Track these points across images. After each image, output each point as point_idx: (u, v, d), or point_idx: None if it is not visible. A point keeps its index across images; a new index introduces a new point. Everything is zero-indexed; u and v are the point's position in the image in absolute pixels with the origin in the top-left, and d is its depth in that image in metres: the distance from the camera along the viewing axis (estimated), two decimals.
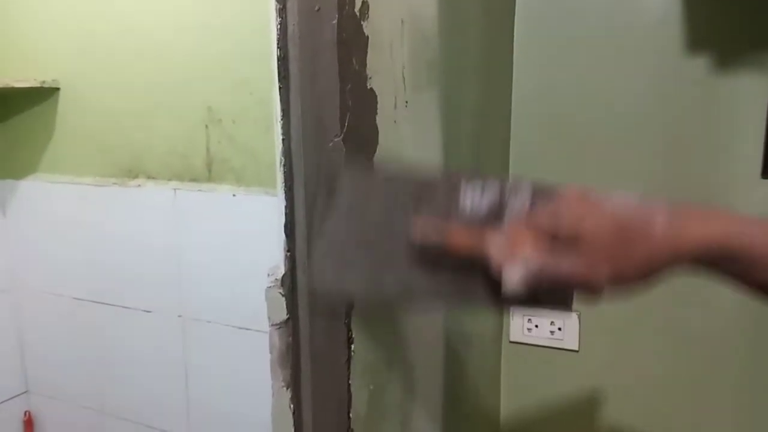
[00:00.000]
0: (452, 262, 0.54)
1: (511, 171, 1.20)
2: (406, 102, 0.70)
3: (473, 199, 0.55)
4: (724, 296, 1.08)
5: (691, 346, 1.12)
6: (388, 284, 0.56)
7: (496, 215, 0.54)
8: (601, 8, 1.10)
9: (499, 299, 0.53)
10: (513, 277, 0.50)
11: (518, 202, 0.54)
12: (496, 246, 0.52)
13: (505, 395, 1.28)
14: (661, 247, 0.50)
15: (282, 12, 0.59)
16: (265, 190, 1.43)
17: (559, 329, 1.21)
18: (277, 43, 0.61)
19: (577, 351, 1.20)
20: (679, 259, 0.51)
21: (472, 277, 0.54)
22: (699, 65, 1.04)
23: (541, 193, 0.54)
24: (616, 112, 1.11)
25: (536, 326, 1.23)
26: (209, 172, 1.49)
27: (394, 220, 0.56)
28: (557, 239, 0.50)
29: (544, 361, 1.24)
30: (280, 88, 0.62)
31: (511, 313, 1.24)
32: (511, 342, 1.25)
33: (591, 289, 0.51)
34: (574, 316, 1.20)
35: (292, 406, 0.67)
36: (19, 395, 1.87)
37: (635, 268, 0.50)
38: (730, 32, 1.03)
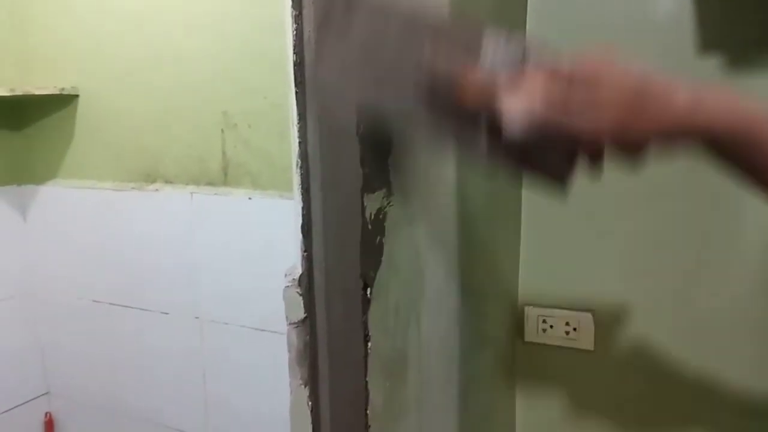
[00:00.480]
0: (459, 105, 0.52)
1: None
2: None
3: (495, 49, 0.52)
4: (743, 296, 1.08)
5: (707, 345, 1.12)
6: (391, 109, 0.56)
7: (515, 69, 0.51)
8: (612, 9, 1.10)
9: (498, 148, 0.51)
10: (517, 116, 0.48)
11: (540, 58, 0.52)
12: (507, 92, 0.49)
13: (519, 395, 1.29)
14: (677, 116, 0.49)
15: (298, 18, 0.60)
16: (280, 193, 1.45)
17: (574, 329, 1.21)
18: (294, 49, 0.62)
19: (592, 351, 1.21)
20: (691, 134, 0.49)
21: (476, 123, 0.52)
22: (711, 65, 1.04)
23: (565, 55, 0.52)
24: None
25: (551, 326, 1.23)
26: (225, 176, 1.52)
27: (409, 50, 0.54)
28: (571, 87, 0.49)
29: (559, 361, 1.24)
30: (296, 92, 0.63)
31: (526, 313, 1.25)
32: (525, 342, 1.26)
33: (592, 147, 0.50)
34: (588, 315, 1.20)
35: (310, 403, 0.68)
36: (39, 396, 1.90)
37: (643, 131, 0.49)
38: (743, 33, 1.03)
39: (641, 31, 1.09)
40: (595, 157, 0.51)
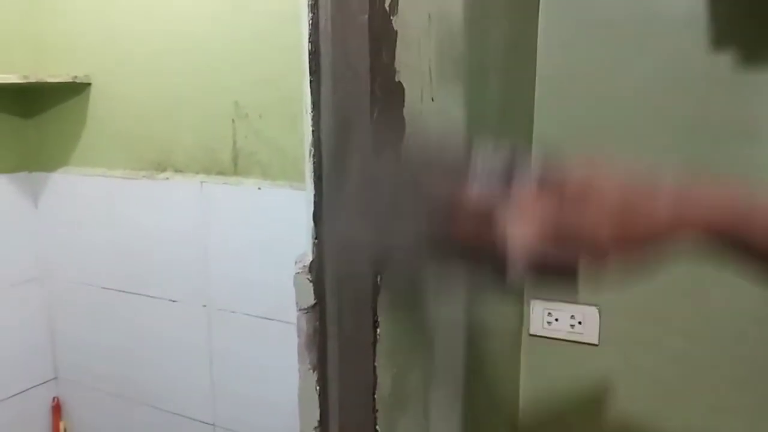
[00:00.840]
0: (461, 233, 0.54)
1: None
2: (432, 95, 0.72)
3: (483, 165, 0.54)
4: (747, 290, 1.08)
5: (712, 340, 1.12)
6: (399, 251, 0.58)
7: (505, 185, 0.53)
8: (625, 5, 1.11)
9: (505, 272, 0.53)
10: (520, 253, 0.50)
11: (528, 168, 0.54)
12: (503, 218, 0.52)
13: (524, 388, 1.30)
14: (664, 221, 0.51)
15: (314, 7, 0.61)
16: (290, 183, 1.46)
17: (579, 323, 1.22)
18: (309, 38, 0.63)
19: (596, 345, 1.21)
20: (682, 234, 0.51)
21: (480, 247, 0.54)
22: (724, 62, 1.05)
23: (550, 161, 0.55)
24: (639, 108, 1.12)
25: (556, 320, 1.24)
26: (235, 166, 1.53)
27: (409, 187, 0.57)
28: (562, 211, 0.51)
29: (564, 354, 1.25)
30: (310, 81, 0.64)
31: (531, 306, 1.26)
32: (530, 335, 1.27)
33: (595, 253, 0.51)
34: (594, 309, 1.21)
35: (318, 388, 0.69)
36: (47, 381, 1.93)
37: (639, 239, 0.51)
38: (755, 29, 1.03)
39: (654, 28, 1.09)
40: (598, 263, 0.52)
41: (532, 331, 1.27)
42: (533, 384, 1.29)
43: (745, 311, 1.09)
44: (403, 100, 0.65)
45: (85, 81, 1.66)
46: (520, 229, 0.51)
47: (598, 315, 1.21)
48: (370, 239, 0.61)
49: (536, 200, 0.52)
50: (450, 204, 0.54)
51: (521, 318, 1.27)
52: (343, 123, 0.63)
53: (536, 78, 1.19)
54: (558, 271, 0.53)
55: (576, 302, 1.22)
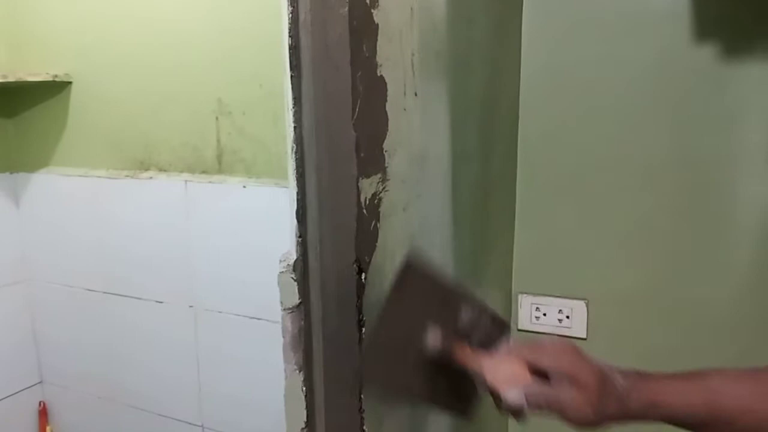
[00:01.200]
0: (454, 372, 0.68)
1: (519, 158, 1.21)
2: (416, 89, 0.71)
3: (470, 317, 0.71)
4: (734, 282, 1.08)
5: (700, 332, 1.12)
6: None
7: (487, 339, 0.71)
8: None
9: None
10: (515, 398, 0.62)
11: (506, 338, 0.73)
12: (489, 369, 0.65)
13: None
14: (631, 414, 0.63)
15: (294, 1, 0.60)
16: (274, 181, 1.44)
17: (567, 317, 1.22)
18: (289, 32, 0.62)
19: (585, 339, 1.21)
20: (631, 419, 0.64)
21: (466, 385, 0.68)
22: (706, 55, 1.05)
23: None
24: (623, 99, 1.12)
25: (544, 314, 1.24)
26: (219, 164, 1.51)
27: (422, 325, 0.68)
28: (549, 386, 0.62)
29: None
30: (291, 76, 0.63)
31: (519, 300, 1.25)
32: (519, 330, 1.26)
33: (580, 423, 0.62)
34: (582, 303, 1.21)
35: (304, 388, 0.68)
36: (33, 386, 1.90)
37: (605, 422, 0.63)
38: (737, 22, 1.03)
39: (637, 22, 1.09)
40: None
41: (520, 326, 1.27)
42: None
43: (735, 300, 1.09)
44: (386, 95, 0.64)
45: (65, 80, 1.63)
46: (513, 393, 0.63)
47: (585, 308, 1.21)
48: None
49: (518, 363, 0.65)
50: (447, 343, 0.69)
51: (509, 313, 1.26)
52: (324, 119, 0.62)
53: (521, 72, 1.18)
54: None
55: (564, 296, 1.22)
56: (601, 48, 1.12)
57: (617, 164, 1.14)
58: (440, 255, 0.85)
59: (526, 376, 0.63)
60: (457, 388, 0.70)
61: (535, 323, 1.25)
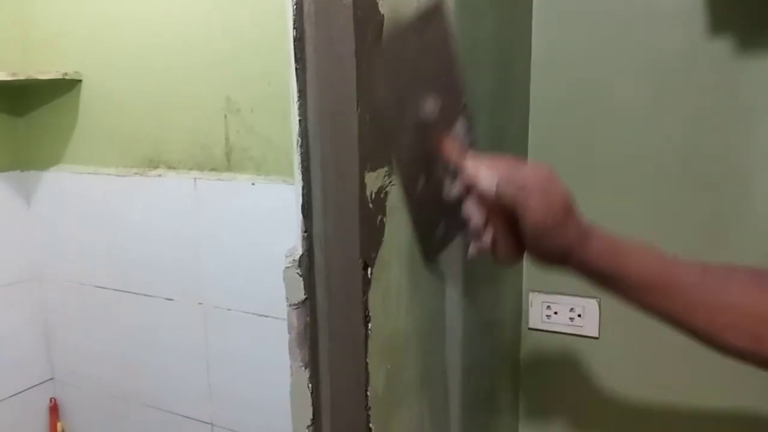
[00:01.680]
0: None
1: (529, 154, 1.19)
2: None
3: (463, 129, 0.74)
4: None
5: None
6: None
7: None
8: None
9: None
10: (487, 181, 0.64)
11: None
12: (471, 163, 0.67)
13: (523, 381, 1.28)
14: (578, 238, 0.65)
15: None
16: (283, 178, 1.44)
17: (579, 316, 1.20)
18: (294, 24, 0.61)
19: (597, 338, 1.20)
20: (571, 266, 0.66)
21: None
22: (720, 48, 1.02)
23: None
24: (635, 95, 1.10)
25: (555, 313, 1.22)
26: (228, 162, 1.51)
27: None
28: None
29: (564, 348, 1.23)
30: (296, 69, 0.62)
31: (529, 299, 1.24)
32: (530, 329, 1.25)
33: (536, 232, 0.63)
34: (594, 302, 1.19)
35: (310, 385, 0.68)
36: (44, 382, 1.91)
37: (565, 244, 0.65)
38: (752, 15, 1.01)
39: (649, 15, 1.07)
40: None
41: (531, 325, 1.25)
42: (533, 378, 1.27)
43: None
44: None
45: (75, 78, 1.63)
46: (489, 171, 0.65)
47: (598, 307, 1.19)
48: None
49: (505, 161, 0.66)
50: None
51: (519, 311, 1.25)
52: (329, 112, 0.61)
53: (531, 68, 1.17)
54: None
55: (576, 294, 1.20)
56: (613, 42, 1.10)
57: (629, 160, 1.12)
58: (448, 252, 0.84)
59: (503, 169, 0.64)
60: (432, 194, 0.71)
61: (546, 322, 1.24)
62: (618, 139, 1.13)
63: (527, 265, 1.24)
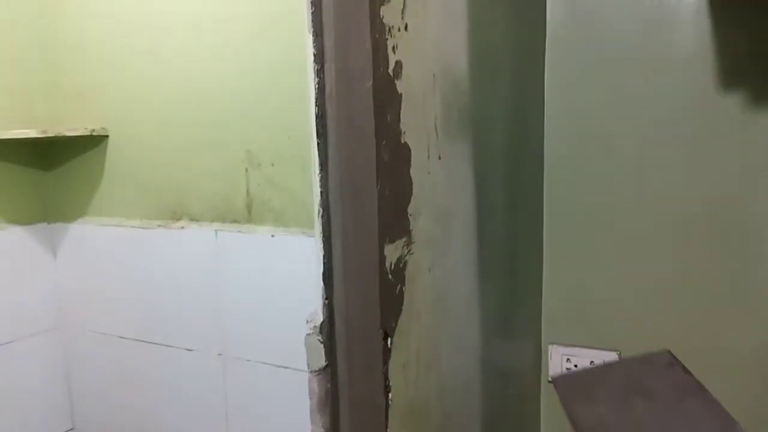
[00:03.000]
0: None
1: (545, 207, 1.21)
2: (439, 151, 0.72)
3: None
4: None
5: (740, 386, 1.09)
6: None
7: None
8: (633, 45, 1.11)
9: None
10: None
11: None
12: None
13: None
14: None
15: (320, 73, 0.62)
16: (302, 230, 1.46)
17: None
18: (315, 102, 0.64)
19: None
20: None
21: None
22: (733, 103, 1.04)
23: None
24: (650, 144, 1.11)
25: (575, 365, 1.21)
26: (249, 214, 1.54)
27: None
28: None
29: None
30: (318, 143, 0.65)
31: (549, 351, 1.23)
32: (550, 381, 1.24)
33: None
34: (614, 354, 1.18)
35: None
36: None
37: None
38: (765, 69, 1.02)
39: (662, 70, 1.09)
40: None
41: (551, 378, 1.24)
42: (554, 430, 1.26)
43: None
44: (410, 160, 0.66)
45: (102, 134, 1.69)
46: None
47: (618, 359, 1.18)
48: None
49: None
50: None
51: (539, 364, 1.24)
52: (350, 184, 0.63)
53: (544, 119, 1.19)
54: None
55: (595, 347, 1.20)
56: (626, 93, 1.12)
57: (646, 211, 1.13)
58: (467, 311, 0.85)
59: None
60: None
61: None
62: (634, 190, 1.13)
63: (546, 316, 1.24)
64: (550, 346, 1.24)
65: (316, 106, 0.64)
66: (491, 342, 0.94)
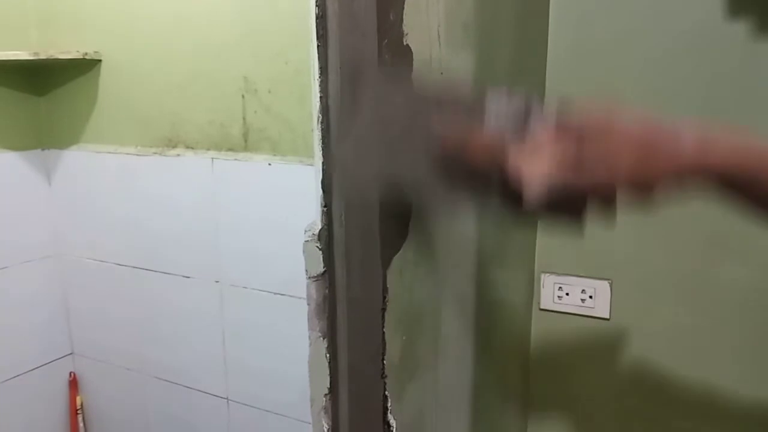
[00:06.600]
0: (471, 167, 0.55)
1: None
2: (441, 61, 0.71)
3: (498, 106, 0.54)
4: (764, 263, 1.07)
5: (726, 314, 1.11)
6: (407, 180, 0.60)
7: (520, 125, 0.53)
8: None
9: (516, 207, 0.53)
10: (535, 181, 0.50)
11: (543, 112, 0.53)
12: (518, 154, 0.52)
13: (534, 361, 1.30)
14: (686, 159, 0.51)
15: None
16: (299, 159, 1.46)
17: (590, 297, 1.22)
18: (316, 1, 0.62)
19: (608, 319, 1.21)
20: (702, 174, 0.52)
21: (490, 183, 0.54)
22: (739, 30, 1.02)
23: (567, 105, 0.54)
24: (655, 76, 1.10)
25: (567, 294, 1.24)
26: (245, 142, 1.53)
27: (419, 120, 0.57)
28: (582, 144, 0.51)
29: (575, 329, 1.25)
30: (318, 45, 0.63)
31: (542, 280, 1.25)
32: (541, 309, 1.26)
33: (607, 196, 0.52)
34: (605, 284, 1.20)
35: (328, 355, 0.70)
36: (64, 357, 1.96)
37: (655, 177, 0.51)
38: None
39: None
40: (610, 203, 0.53)
41: (542, 306, 1.26)
42: (544, 358, 1.29)
43: (762, 281, 1.08)
44: (412, 64, 0.65)
45: (95, 57, 1.66)
46: (535, 165, 0.51)
47: (609, 289, 1.20)
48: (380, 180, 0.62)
49: (552, 139, 0.51)
50: (462, 136, 0.55)
51: (531, 292, 1.26)
52: (350, 88, 0.62)
53: (548, 47, 1.17)
54: (568, 208, 0.53)
55: (587, 276, 1.22)
56: (632, 22, 1.10)
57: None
58: (464, 228, 0.86)
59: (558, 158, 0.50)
60: (485, 187, 0.55)
61: (557, 303, 1.25)
62: None
63: (540, 246, 1.25)
64: (542, 275, 1.25)
65: (316, 6, 0.63)
66: (486, 264, 0.95)
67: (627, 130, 0.51)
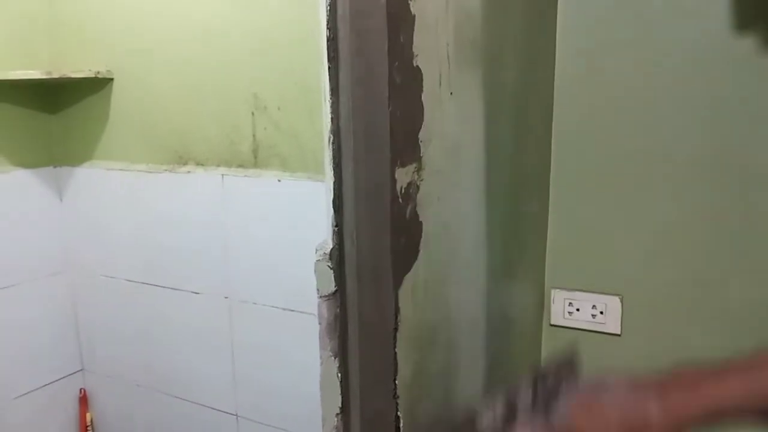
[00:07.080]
0: None
1: (553, 149, 1.20)
2: (450, 80, 0.71)
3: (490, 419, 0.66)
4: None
5: (738, 331, 1.10)
6: None
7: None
8: None
9: None
10: None
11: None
12: None
13: None
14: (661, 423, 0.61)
15: None
16: (308, 175, 1.46)
17: (601, 313, 1.21)
18: (327, 24, 0.63)
19: (619, 335, 1.20)
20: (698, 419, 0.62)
21: None
22: (746, 46, 1.02)
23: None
24: (662, 89, 1.10)
25: (577, 309, 1.23)
26: (255, 158, 1.54)
27: None
28: None
29: (585, 345, 1.23)
30: (329, 67, 0.64)
31: (552, 295, 1.25)
32: (551, 325, 1.26)
33: None
34: (616, 299, 1.19)
35: (339, 374, 0.70)
36: (74, 373, 1.96)
37: None
38: None
39: (675, 14, 1.07)
40: None
41: (553, 322, 1.26)
42: None
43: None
44: (422, 85, 0.65)
45: (107, 76, 1.67)
46: None
47: (620, 304, 1.19)
48: None
49: None
50: None
51: (542, 308, 1.26)
52: (361, 109, 0.63)
53: (555, 59, 1.17)
54: None
55: (598, 291, 1.21)
56: (639, 36, 1.10)
57: (654, 156, 1.13)
58: (473, 246, 0.86)
59: None
60: None
61: (568, 318, 1.24)
62: (643, 135, 1.13)
63: (550, 261, 1.25)
64: (553, 291, 1.25)
65: (327, 28, 0.63)
66: (496, 281, 0.95)
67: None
